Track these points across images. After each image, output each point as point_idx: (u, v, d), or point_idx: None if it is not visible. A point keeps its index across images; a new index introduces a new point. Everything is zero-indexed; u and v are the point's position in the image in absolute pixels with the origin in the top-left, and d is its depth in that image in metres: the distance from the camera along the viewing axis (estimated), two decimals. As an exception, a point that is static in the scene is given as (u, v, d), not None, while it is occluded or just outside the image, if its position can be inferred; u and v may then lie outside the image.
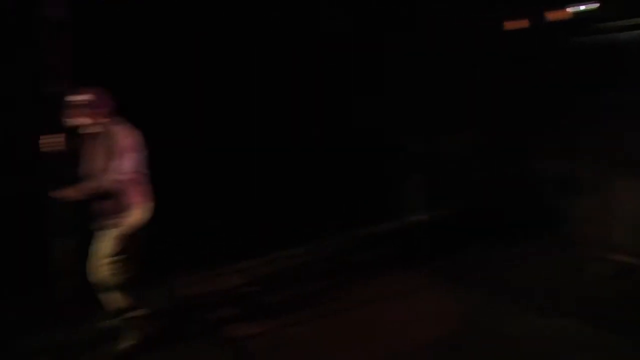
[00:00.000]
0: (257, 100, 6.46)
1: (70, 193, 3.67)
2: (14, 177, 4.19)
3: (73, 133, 3.76)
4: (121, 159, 3.67)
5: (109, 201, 3.74)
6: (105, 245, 3.76)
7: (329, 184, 6.65)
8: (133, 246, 3.82)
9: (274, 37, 6.43)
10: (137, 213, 3.81)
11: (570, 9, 6.47)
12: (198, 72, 6.00)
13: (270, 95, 6.51)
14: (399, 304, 4.42)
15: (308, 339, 3.87)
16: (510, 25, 7.02)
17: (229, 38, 6.24)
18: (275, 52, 6.47)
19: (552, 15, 6.66)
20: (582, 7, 6.37)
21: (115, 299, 3.76)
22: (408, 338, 3.84)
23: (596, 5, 6.28)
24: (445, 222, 6.39)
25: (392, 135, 7.00)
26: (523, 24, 6.91)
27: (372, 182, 6.83)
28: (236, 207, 6.09)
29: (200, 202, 5.88)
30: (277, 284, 5.00)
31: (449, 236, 5.90)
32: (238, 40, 6.29)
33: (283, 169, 6.57)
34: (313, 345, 3.78)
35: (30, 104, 3.72)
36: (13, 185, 4.08)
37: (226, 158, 6.21)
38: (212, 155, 6.09)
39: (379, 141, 7.01)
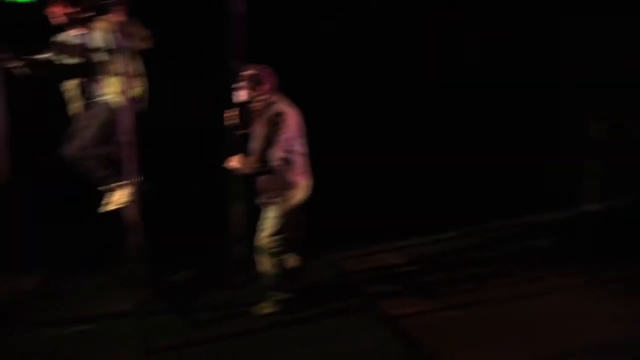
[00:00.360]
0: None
1: (238, 166, 3.90)
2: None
3: (244, 108, 3.99)
4: (281, 136, 3.82)
5: (270, 178, 3.90)
6: (266, 222, 3.95)
7: (497, 166, 6.41)
8: (292, 224, 3.98)
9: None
10: (296, 192, 3.94)
11: None
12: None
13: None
14: (561, 299, 4.16)
15: (465, 325, 3.79)
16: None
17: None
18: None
19: None
20: None
21: (270, 274, 3.96)
22: (572, 336, 3.62)
23: None
24: (623, 215, 5.90)
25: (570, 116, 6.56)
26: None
27: (541, 167, 6.49)
28: (395, 184, 6.10)
29: (358, 180, 5.99)
30: (433, 266, 4.97)
31: (625, 230, 5.44)
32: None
33: (448, 148, 6.44)
34: (470, 332, 3.70)
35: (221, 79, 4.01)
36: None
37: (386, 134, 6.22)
38: (369, 131, 6.15)
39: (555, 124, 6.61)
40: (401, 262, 5.08)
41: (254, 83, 3.85)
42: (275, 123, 3.80)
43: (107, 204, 4.13)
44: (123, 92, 3.46)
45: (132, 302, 3.57)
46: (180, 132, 5.33)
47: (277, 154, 3.84)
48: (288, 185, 3.91)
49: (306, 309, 4.02)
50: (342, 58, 5.92)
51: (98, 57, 3.96)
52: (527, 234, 5.72)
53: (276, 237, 3.91)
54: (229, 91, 3.94)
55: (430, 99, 6.33)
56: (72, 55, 3.99)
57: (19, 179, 4.01)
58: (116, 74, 3.86)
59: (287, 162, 3.89)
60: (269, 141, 3.81)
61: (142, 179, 3.71)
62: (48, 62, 3.99)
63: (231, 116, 4.01)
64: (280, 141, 3.81)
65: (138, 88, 4.00)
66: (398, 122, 6.21)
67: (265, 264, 3.93)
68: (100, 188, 4.12)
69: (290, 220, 3.95)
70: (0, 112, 4.04)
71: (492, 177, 6.31)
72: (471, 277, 4.66)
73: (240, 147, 3.97)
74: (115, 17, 3.68)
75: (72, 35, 4.01)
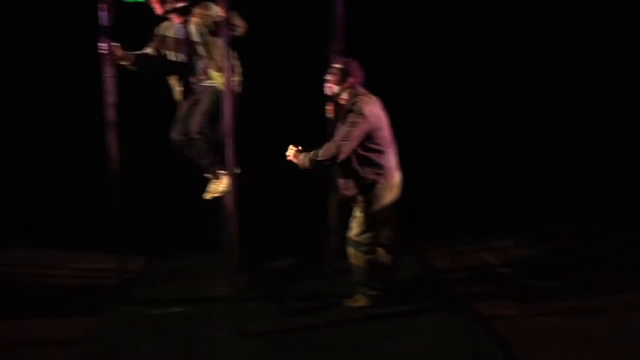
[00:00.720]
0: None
1: (298, 159, 3.79)
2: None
3: (333, 101, 3.98)
4: (355, 130, 3.72)
5: (349, 177, 3.85)
6: (354, 221, 3.93)
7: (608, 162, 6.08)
8: (383, 222, 3.92)
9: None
10: (382, 191, 3.84)
11: None
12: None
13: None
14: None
15: (561, 331, 3.62)
16: None
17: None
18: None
19: None
20: None
21: (361, 268, 3.94)
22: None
23: None
24: None
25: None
26: None
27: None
28: (490, 180, 5.91)
29: (452, 175, 5.87)
30: (530, 267, 4.79)
31: None
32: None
33: (549, 140, 6.15)
34: (567, 339, 3.51)
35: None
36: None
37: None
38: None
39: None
40: (495, 262, 4.94)
41: (341, 76, 3.83)
42: (353, 119, 3.72)
43: (209, 190, 4.29)
44: (224, 80, 3.58)
45: (228, 287, 3.72)
46: (278, 122, 5.43)
47: (354, 151, 3.77)
48: (370, 185, 3.83)
49: (397, 305, 3.99)
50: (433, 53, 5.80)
51: (199, 47, 4.12)
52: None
53: (367, 235, 3.89)
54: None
55: (524, 88, 6.08)
56: (174, 48, 4.18)
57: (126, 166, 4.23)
58: (217, 63, 4.02)
59: (367, 160, 3.81)
60: (344, 137, 3.70)
61: (240, 169, 3.84)
62: (152, 56, 4.20)
63: (329, 109, 4.04)
64: (357, 138, 3.72)
65: (236, 76, 4.11)
66: (494, 115, 6.00)
67: (357, 258, 3.94)
68: (204, 174, 4.29)
69: (381, 218, 3.90)
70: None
71: (606, 175, 5.96)
72: (573, 281, 4.46)
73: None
74: (214, 7, 3.92)
75: (173, 27, 4.19)
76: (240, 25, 3.90)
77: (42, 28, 5.51)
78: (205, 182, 4.33)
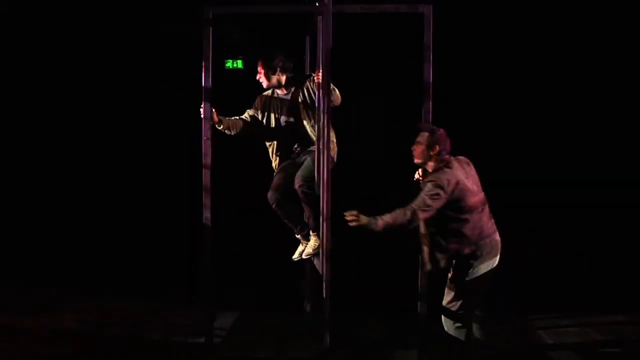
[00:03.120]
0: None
1: (363, 221, 3.60)
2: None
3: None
4: (433, 201, 3.54)
5: (430, 246, 3.70)
6: (449, 291, 3.76)
7: None
8: (470, 295, 3.72)
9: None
10: (465, 262, 3.66)
11: None
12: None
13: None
14: None
15: None
16: None
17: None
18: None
19: None
20: None
21: (456, 337, 3.75)
22: None
23: None
24: None
25: None
26: None
27: None
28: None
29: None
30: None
31: None
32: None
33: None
34: None
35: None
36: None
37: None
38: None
39: None
40: (601, 338, 4.57)
41: (428, 145, 3.70)
42: (432, 190, 3.55)
43: (301, 251, 4.31)
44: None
45: (313, 350, 3.63)
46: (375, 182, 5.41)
47: (436, 222, 3.61)
48: (455, 255, 3.67)
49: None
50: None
51: (302, 113, 4.21)
52: None
53: (457, 303, 3.70)
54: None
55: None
56: (275, 114, 4.30)
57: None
58: (315, 130, 4.08)
59: (449, 230, 3.63)
60: (420, 204, 3.54)
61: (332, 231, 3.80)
62: (248, 122, 4.34)
63: (418, 175, 3.96)
64: (434, 209, 3.54)
65: (333, 144, 4.14)
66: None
67: (450, 328, 3.75)
68: (296, 235, 4.31)
69: (471, 288, 3.69)
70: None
71: None
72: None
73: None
74: (314, 78, 4.01)
75: (277, 95, 4.32)
76: (336, 97, 3.96)
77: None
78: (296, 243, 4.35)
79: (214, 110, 4.13)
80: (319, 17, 3.88)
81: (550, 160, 5.70)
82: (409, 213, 3.56)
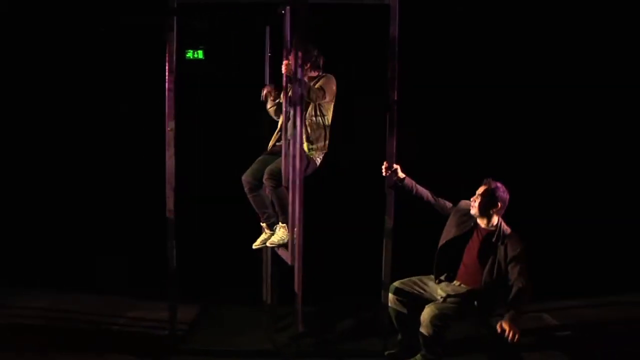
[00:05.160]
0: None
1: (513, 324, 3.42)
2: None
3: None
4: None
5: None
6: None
7: None
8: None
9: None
10: None
11: None
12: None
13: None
14: None
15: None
16: None
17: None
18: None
19: None
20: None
21: (425, 333, 3.70)
22: None
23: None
24: None
25: None
26: None
27: None
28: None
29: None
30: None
31: None
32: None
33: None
34: None
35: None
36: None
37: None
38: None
39: None
40: (557, 323, 4.73)
41: (488, 201, 3.71)
42: (524, 255, 3.58)
43: (263, 240, 4.29)
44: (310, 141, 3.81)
45: (278, 341, 3.63)
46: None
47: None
48: None
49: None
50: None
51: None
52: None
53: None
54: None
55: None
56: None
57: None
58: (306, 128, 4.07)
59: None
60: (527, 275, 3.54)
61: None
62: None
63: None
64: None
65: (319, 144, 4.15)
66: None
67: (423, 324, 3.71)
68: (261, 222, 4.30)
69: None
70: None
71: None
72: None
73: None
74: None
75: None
76: (315, 96, 3.93)
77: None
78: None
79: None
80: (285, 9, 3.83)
81: (514, 154, 5.83)
82: (530, 289, 3.54)
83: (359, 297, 4.95)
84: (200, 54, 5.58)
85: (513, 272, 3.57)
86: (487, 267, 3.64)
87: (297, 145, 3.70)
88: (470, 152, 5.70)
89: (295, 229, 3.72)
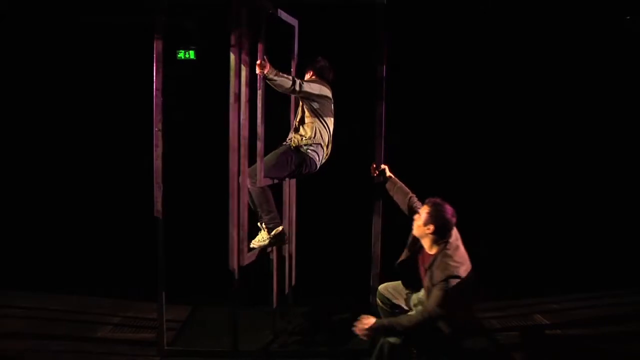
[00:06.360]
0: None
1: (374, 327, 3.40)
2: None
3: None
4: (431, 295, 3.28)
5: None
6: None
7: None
8: None
9: None
10: None
11: None
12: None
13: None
14: None
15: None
16: None
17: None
18: None
19: None
20: None
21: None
22: None
23: None
24: None
25: None
26: None
27: None
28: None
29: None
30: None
31: None
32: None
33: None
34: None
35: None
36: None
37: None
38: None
39: None
40: (546, 322, 4.72)
41: (432, 218, 3.33)
42: (446, 290, 3.19)
43: (258, 240, 4.25)
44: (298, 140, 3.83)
45: (261, 342, 3.62)
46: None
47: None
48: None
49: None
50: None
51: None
52: None
53: None
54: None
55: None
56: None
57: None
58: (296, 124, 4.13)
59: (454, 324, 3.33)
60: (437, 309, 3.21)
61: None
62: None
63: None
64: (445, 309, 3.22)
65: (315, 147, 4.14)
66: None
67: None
68: (259, 223, 4.26)
69: None
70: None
71: None
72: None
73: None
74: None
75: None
76: (279, 83, 3.91)
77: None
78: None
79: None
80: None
81: (513, 154, 5.83)
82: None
83: (349, 297, 4.94)
84: (191, 54, 5.57)
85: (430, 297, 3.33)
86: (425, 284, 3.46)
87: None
88: (462, 153, 5.69)
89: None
